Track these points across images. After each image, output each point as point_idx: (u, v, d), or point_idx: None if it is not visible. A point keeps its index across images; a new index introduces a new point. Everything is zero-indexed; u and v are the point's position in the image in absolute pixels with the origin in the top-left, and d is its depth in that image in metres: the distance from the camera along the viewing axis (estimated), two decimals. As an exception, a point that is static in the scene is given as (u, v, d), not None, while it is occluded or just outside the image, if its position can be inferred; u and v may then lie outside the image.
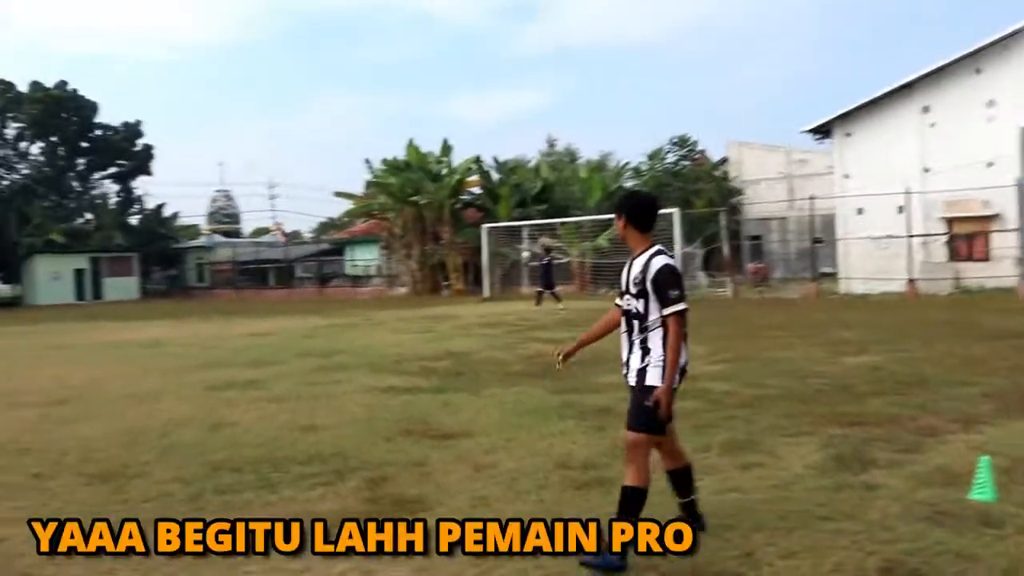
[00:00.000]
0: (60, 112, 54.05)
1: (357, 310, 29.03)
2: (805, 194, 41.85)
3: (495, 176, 43.21)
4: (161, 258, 57.79)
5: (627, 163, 50.02)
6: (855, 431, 7.40)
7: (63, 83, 55.02)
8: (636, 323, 4.60)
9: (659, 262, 4.52)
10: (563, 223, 37.74)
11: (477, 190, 43.87)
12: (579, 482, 6.08)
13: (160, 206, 58.67)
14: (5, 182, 53.52)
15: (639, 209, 4.74)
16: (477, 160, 42.44)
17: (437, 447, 7.30)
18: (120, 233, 53.21)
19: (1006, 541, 4.69)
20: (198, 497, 6.10)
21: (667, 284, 4.47)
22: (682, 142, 50.28)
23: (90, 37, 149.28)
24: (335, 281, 50.26)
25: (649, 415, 4.45)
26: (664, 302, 4.46)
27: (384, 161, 42.51)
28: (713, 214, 39.19)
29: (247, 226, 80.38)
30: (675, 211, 31.31)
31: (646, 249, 4.65)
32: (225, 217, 73.41)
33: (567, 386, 10.32)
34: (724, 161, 51.53)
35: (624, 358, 4.68)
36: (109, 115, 62.86)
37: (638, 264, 4.61)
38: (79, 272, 50.88)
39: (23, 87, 54.01)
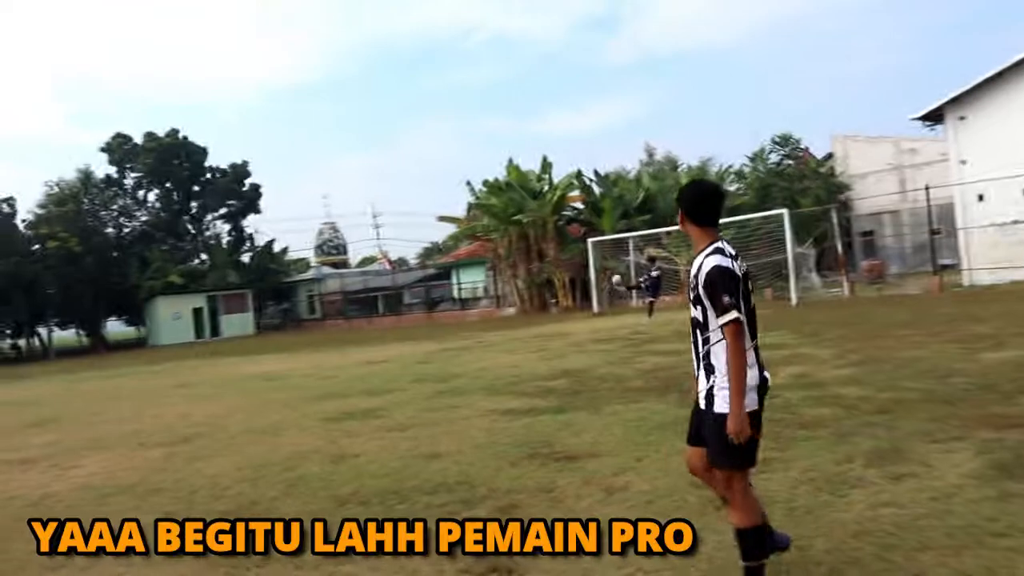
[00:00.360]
0: (173, 159, 56.32)
1: (468, 333, 29.08)
2: (917, 185, 40.39)
3: (596, 189, 42.90)
4: (273, 293, 59.30)
5: (729, 166, 49.14)
6: (1011, 434, 6.87)
7: (174, 131, 57.32)
8: (698, 333, 4.09)
9: (710, 262, 3.95)
10: (668, 232, 37.14)
11: (579, 205, 43.65)
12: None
13: (270, 242, 60.35)
14: (126, 229, 55.78)
15: (694, 199, 4.17)
16: (578, 175, 42.24)
17: (563, 470, 7.08)
18: (233, 271, 54.87)
19: None
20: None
21: (716, 288, 3.90)
22: (784, 141, 49.12)
23: (195, 88, 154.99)
24: (443, 305, 50.65)
25: (731, 448, 3.95)
26: (717, 310, 3.90)
27: (485, 183, 42.72)
28: (822, 212, 38.07)
29: (354, 256, 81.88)
30: (784, 212, 30.46)
31: (706, 247, 4.09)
32: (332, 248, 74.92)
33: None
34: (829, 157, 50.10)
35: (695, 374, 4.20)
36: (217, 158, 65.10)
37: (695, 265, 4.10)
38: (197, 311, 52.56)
39: (138, 139, 56.41)
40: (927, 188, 30.75)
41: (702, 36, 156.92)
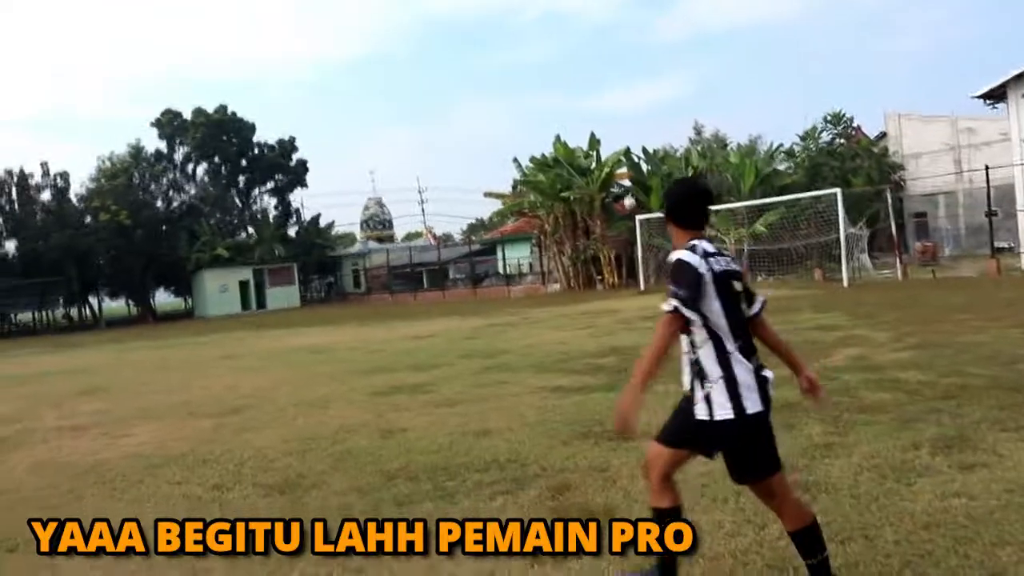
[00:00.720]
0: (221, 134, 56.88)
1: (513, 309, 28.99)
2: (973, 165, 39.49)
3: (644, 167, 42.46)
4: (319, 266, 59.66)
5: (779, 145, 48.38)
6: (1085, 425, 6.60)
7: (223, 107, 57.87)
8: (684, 337, 3.80)
9: (672, 256, 3.73)
10: (717, 211, 36.66)
11: (627, 182, 43.25)
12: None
13: (316, 216, 60.76)
14: (175, 203, 56.45)
15: (678, 200, 3.91)
16: (626, 152, 41.83)
17: (617, 450, 6.92)
18: (280, 244, 55.29)
19: None
20: (376, 509, 5.91)
21: (670, 278, 3.68)
22: (836, 119, 48.23)
23: (244, 64, 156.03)
24: (488, 281, 50.60)
25: (746, 460, 3.75)
26: (668, 295, 3.62)
27: (532, 159, 42.47)
28: (875, 192, 37.36)
29: (399, 231, 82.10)
30: (837, 191, 29.92)
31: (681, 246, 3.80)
32: (378, 224, 75.12)
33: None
34: (883, 136, 49.17)
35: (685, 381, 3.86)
36: (265, 134, 65.58)
37: None
38: (244, 284, 53.04)
39: (187, 114, 57.02)
40: (987, 168, 29.96)
41: (754, 12, 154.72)
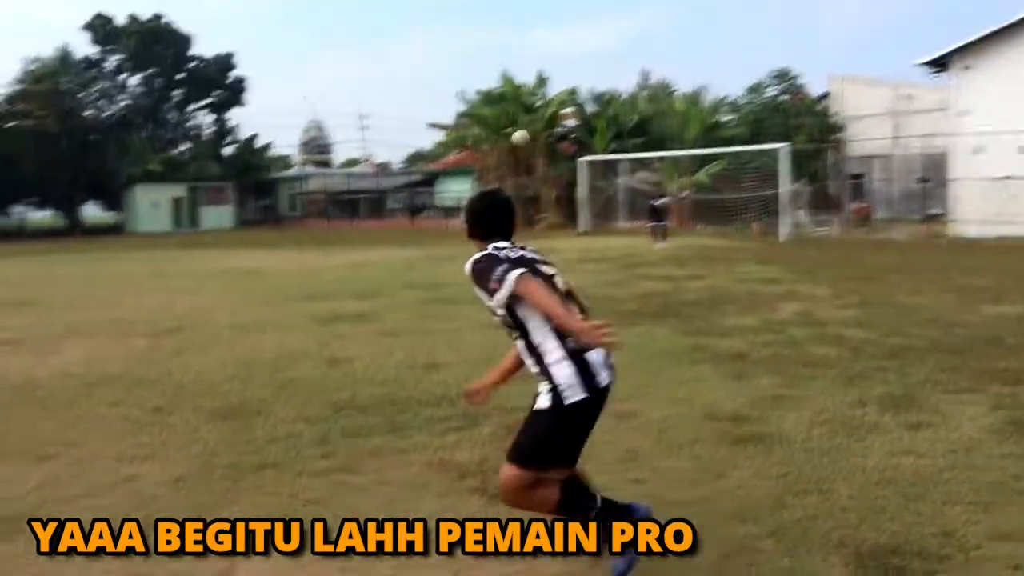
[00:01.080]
0: (156, 44, 54.68)
1: (452, 242, 28.71)
2: (911, 131, 40.10)
3: (590, 109, 42.20)
4: (255, 188, 58.34)
5: (725, 97, 48.44)
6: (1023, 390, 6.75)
7: (158, 16, 55.62)
8: (522, 343, 3.63)
9: (468, 264, 3.54)
10: (661, 157, 36.75)
11: (572, 123, 42.95)
12: (733, 437, 5.59)
13: (253, 137, 59.16)
14: (106, 113, 54.51)
15: (475, 216, 3.78)
16: (572, 92, 41.50)
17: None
18: (215, 163, 53.89)
19: None
20: (325, 440, 5.81)
21: (483, 274, 3.43)
22: (782, 76, 48.29)
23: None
24: (427, 212, 50.13)
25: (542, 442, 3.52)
26: (492, 286, 3.37)
27: (478, 92, 41.87)
28: (816, 151, 37.76)
29: (338, 157, 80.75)
30: (784, 146, 30.17)
31: None
32: (317, 148, 73.80)
33: (692, 328, 9.83)
34: (826, 96, 49.53)
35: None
36: (203, 47, 63.28)
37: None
38: (177, 201, 51.67)
39: (120, 20, 54.88)
40: (924, 136, 30.41)
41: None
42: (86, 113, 52.96)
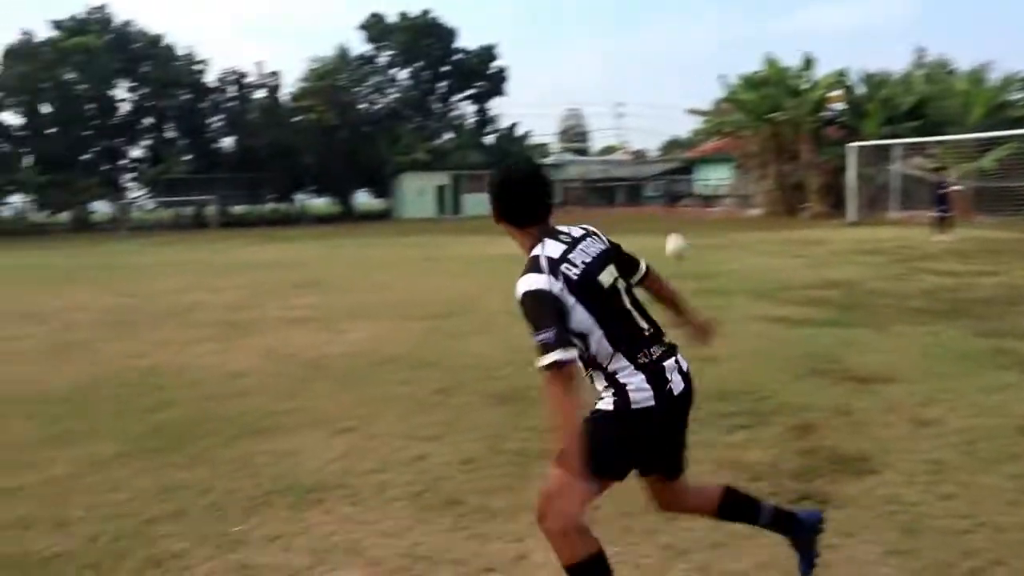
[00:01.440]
0: (424, 39, 57.42)
1: (714, 230, 28.12)
2: None
3: (860, 91, 39.92)
4: (515, 176, 59.80)
5: (1017, 72, 44.29)
6: None
7: (425, 12, 58.33)
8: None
9: (520, 286, 2.88)
10: (940, 142, 34.16)
11: (840, 106, 40.81)
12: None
13: (513, 125, 60.84)
14: (377, 106, 57.89)
15: (497, 194, 3.19)
16: (841, 73, 39.43)
17: (858, 392, 6.46)
18: (477, 152, 55.82)
19: None
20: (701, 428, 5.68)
21: (530, 321, 2.83)
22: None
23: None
24: (684, 200, 49.52)
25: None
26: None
27: (741, 77, 40.70)
28: None
29: (595, 145, 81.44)
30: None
31: (528, 253, 3.04)
32: (575, 136, 74.74)
33: (991, 328, 8.96)
34: None
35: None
36: (466, 39, 65.78)
37: None
38: (441, 188, 53.99)
39: (392, 18, 58.05)
40: None
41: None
42: (360, 107, 56.50)
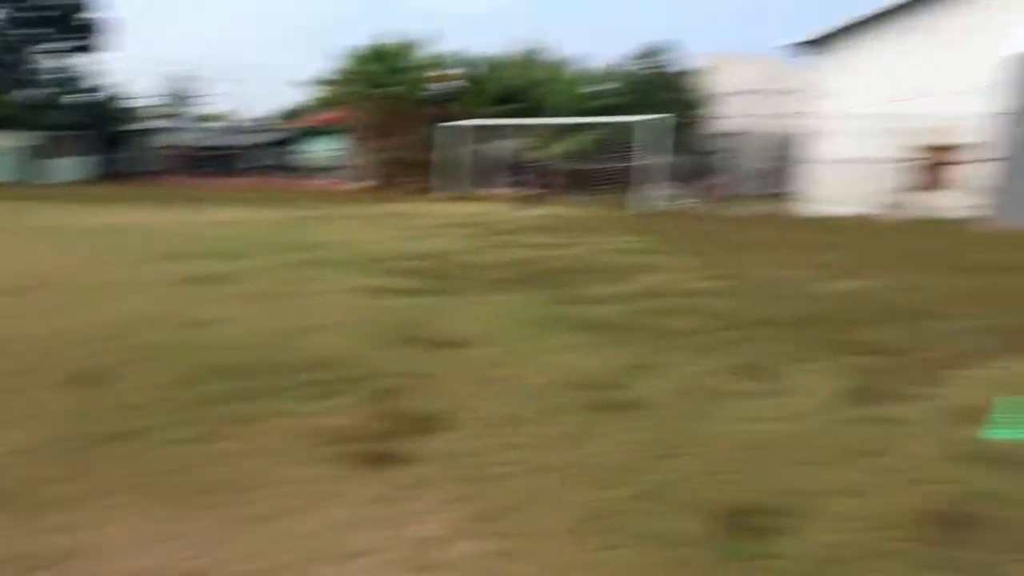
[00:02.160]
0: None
1: (322, 202, 28.29)
2: (780, 110, 41.48)
3: (470, 72, 41.96)
4: (111, 139, 55.81)
5: (601, 67, 49.02)
6: (867, 360, 7.13)
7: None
8: None
9: None
10: (532, 124, 36.96)
11: (446, 85, 42.63)
12: (599, 403, 5.73)
13: (113, 85, 56.55)
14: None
15: None
16: (449, 55, 41.18)
17: (438, 357, 6.92)
18: (70, 112, 51.30)
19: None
20: (187, 406, 5.58)
21: None
22: (658, 49, 49.27)
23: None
24: (296, 171, 49.14)
25: None
26: None
27: (354, 50, 41.04)
28: (686, 124, 38.67)
29: (204, 111, 78.02)
30: (651, 119, 30.94)
31: None
32: (181, 100, 71.18)
33: (557, 296, 9.99)
34: (700, 70, 50.74)
35: None
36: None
37: None
38: (24, 149, 48.94)
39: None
40: (785, 115, 31.54)
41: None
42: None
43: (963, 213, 26.24)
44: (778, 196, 31.45)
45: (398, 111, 39.47)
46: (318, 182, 43.60)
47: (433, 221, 20.92)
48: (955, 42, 29.15)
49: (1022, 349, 7.84)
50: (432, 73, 40.71)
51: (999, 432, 5.29)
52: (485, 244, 15.68)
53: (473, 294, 10.02)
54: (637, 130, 29.76)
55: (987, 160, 26.29)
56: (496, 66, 44.85)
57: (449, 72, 41.69)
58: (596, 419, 5.44)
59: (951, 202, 28.46)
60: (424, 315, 8.69)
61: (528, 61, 47.64)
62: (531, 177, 25.81)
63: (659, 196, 32.40)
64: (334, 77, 43.35)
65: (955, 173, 29.40)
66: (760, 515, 4.02)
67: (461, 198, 32.25)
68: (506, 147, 36.66)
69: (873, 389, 6.24)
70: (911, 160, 30.43)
